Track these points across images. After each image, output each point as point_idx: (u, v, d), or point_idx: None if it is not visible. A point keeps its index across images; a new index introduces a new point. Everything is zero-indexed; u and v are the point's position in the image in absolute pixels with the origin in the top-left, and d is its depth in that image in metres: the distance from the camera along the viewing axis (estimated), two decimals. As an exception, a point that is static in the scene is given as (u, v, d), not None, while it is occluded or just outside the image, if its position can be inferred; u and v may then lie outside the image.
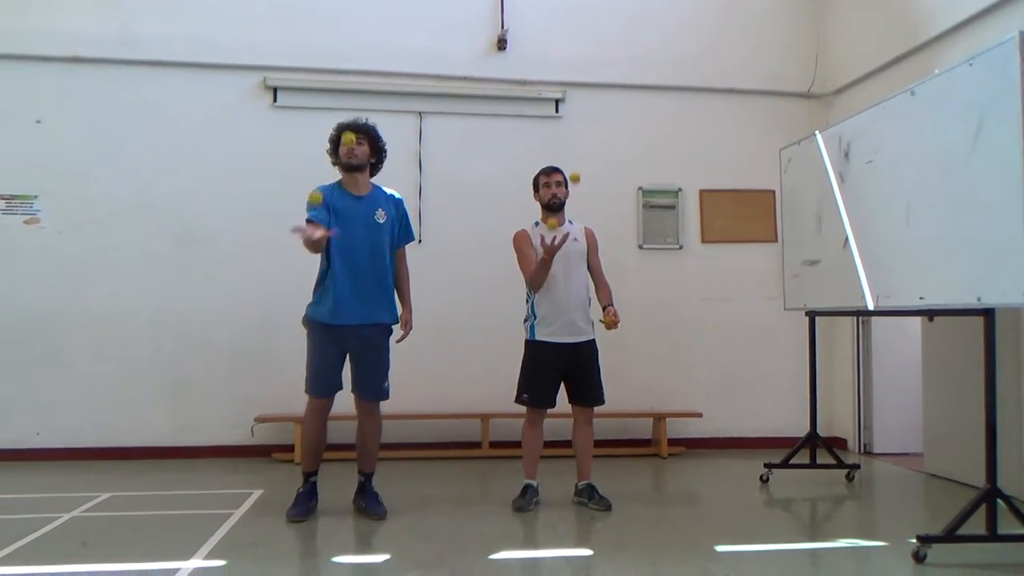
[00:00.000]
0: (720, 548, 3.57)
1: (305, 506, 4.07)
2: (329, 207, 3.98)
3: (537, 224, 4.43)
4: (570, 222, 4.45)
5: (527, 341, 4.36)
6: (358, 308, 4.00)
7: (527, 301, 4.39)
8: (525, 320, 4.39)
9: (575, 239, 4.41)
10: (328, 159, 4.21)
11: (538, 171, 4.47)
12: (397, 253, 4.25)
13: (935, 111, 3.74)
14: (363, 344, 4.05)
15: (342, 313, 3.98)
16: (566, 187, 4.41)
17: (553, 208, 4.39)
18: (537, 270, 4.21)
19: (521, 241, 4.38)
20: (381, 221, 4.08)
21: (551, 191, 4.37)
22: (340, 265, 3.99)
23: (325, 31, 6.12)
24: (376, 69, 6.13)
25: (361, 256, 4.01)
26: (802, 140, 5.14)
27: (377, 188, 4.19)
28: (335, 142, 4.11)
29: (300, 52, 6.07)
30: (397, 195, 4.26)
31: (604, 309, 4.31)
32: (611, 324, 4.20)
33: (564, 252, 4.27)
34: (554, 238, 4.07)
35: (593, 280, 4.46)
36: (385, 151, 4.23)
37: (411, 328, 4.25)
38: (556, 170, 4.43)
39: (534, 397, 4.29)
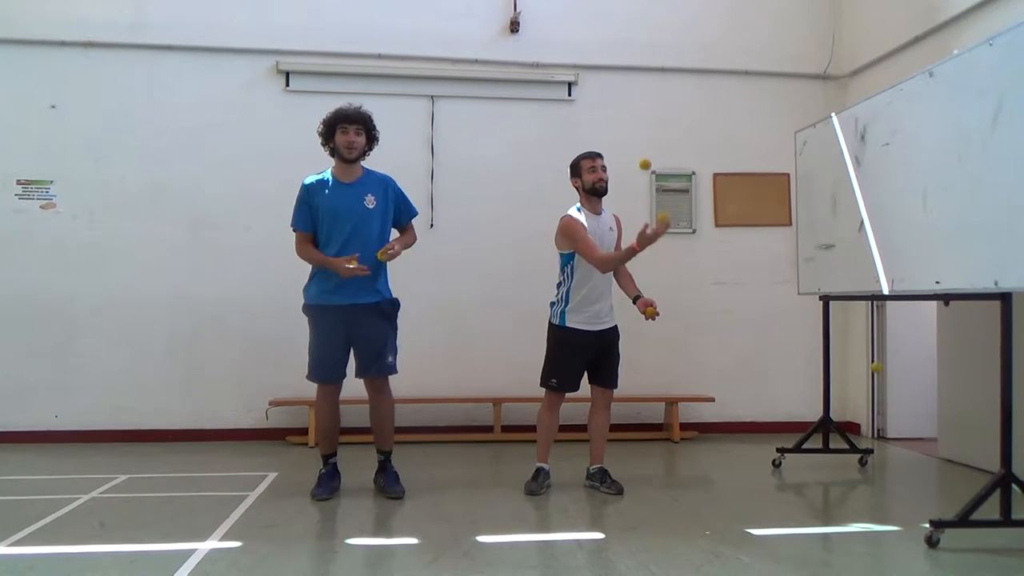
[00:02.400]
0: (732, 532, 3.57)
1: (329, 486, 4.16)
2: (310, 204, 4.07)
3: (580, 210, 4.29)
4: (604, 209, 4.38)
5: (555, 325, 4.31)
6: (353, 290, 4.03)
7: (559, 286, 4.32)
8: (553, 304, 4.33)
9: (611, 228, 4.36)
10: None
11: (578, 156, 4.34)
12: (404, 229, 4.28)
13: (953, 92, 3.68)
14: (364, 322, 4.07)
15: (339, 294, 4.03)
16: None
17: (598, 193, 4.27)
18: (620, 257, 4.10)
19: (578, 228, 4.16)
20: (370, 207, 4.10)
21: (598, 175, 4.25)
22: (330, 250, 4.04)
23: (337, 14, 6.10)
24: (388, 53, 6.11)
25: (352, 242, 4.03)
26: (817, 123, 5.08)
27: (367, 172, 4.21)
28: (330, 128, 4.10)
29: (312, 36, 6.07)
30: (387, 176, 4.26)
31: (636, 300, 4.24)
32: (653, 315, 4.13)
33: (603, 243, 4.22)
34: (654, 230, 3.80)
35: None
36: (377, 138, 4.23)
37: (392, 250, 4.05)
38: (599, 155, 4.31)
39: (562, 382, 4.28)
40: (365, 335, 4.10)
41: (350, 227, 4.04)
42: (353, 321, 4.07)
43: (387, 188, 4.20)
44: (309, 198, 4.09)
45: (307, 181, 4.14)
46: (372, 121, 4.17)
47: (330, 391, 4.17)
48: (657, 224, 3.82)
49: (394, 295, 4.24)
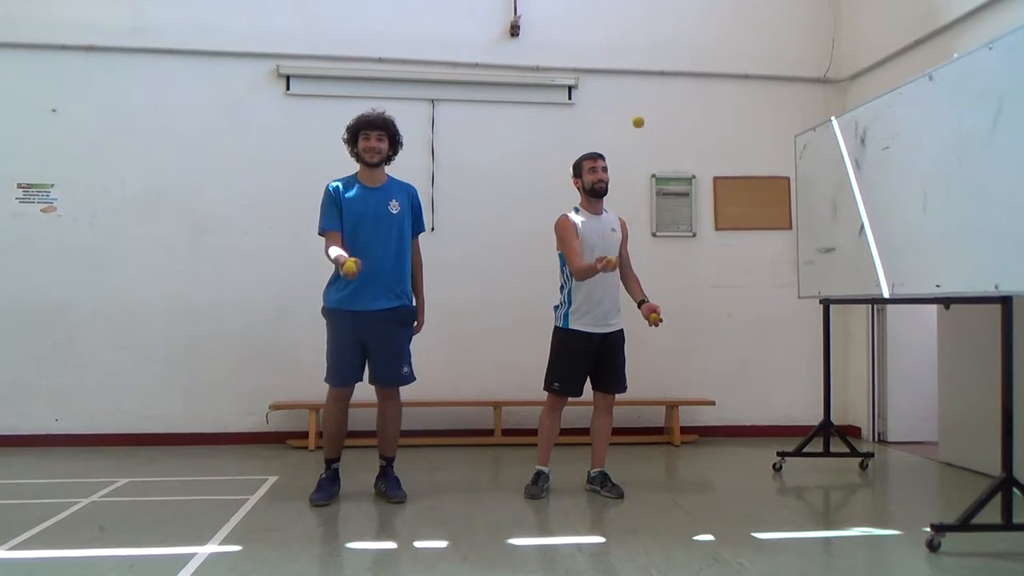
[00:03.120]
0: (732, 536, 3.57)
1: (328, 491, 4.16)
2: (339, 204, 4.09)
3: (578, 210, 4.33)
4: (606, 211, 4.40)
5: (558, 328, 4.32)
6: (372, 295, 4.06)
7: (562, 288, 4.33)
8: (557, 307, 4.34)
9: (613, 229, 4.37)
10: (343, 148, 4.27)
11: (580, 156, 4.37)
12: (411, 243, 4.31)
13: (953, 96, 3.69)
14: (379, 330, 4.09)
15: (355, 299, 4.05)
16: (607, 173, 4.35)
17: (597, 194, 4.30)
18: (584, 271, 4.09)
19: (567, 230, 4.22)
20: (394, 212, 4.15)
21: (597, 176, 4.28)
22: (354, 254, 4.02)
23: (338, 18, 6.11)
24: (389, 56, 6.11)
25: (375, 245, 4.07)
26: (817, 126, 5.09)
27: (391, 179, 4.27)
28: (353, 133, 4.18)
29: (313, 39, 6.07)
30: (411, 185, 4.34)
31: (641, 305, 4.26)
32: (656, 321, 4.14)
33: (605, 243, 4.24)
34: (607, 262, 3.84)
35: (621, 271, 4.39)
36: (401, 143, 4.30)
37: (422, 325, 4.34)
38: (601, 156, 4.34)
39: (565, 386, 4.27)
40: (381, 342, 4.11)
41: (373, 231, 4.06)
42: (370, 327, 4.07)
43: (409, 196, 4.27)
44: (337, 197, 4.11)
45: (332, 184, 4.17)
46: (395, 126, 4.23)
47: (342, 395, 4.18)
48: (606, 262, 3.84)
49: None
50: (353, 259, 3.75)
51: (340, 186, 4.15)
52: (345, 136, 4.21)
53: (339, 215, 4.09)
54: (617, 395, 4.42)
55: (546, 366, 4.35)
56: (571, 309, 4.26)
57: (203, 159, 5.97)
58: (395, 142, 4.24)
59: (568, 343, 4.26)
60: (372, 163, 4.14)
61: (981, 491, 3.51)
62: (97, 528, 3.64)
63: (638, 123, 4.14)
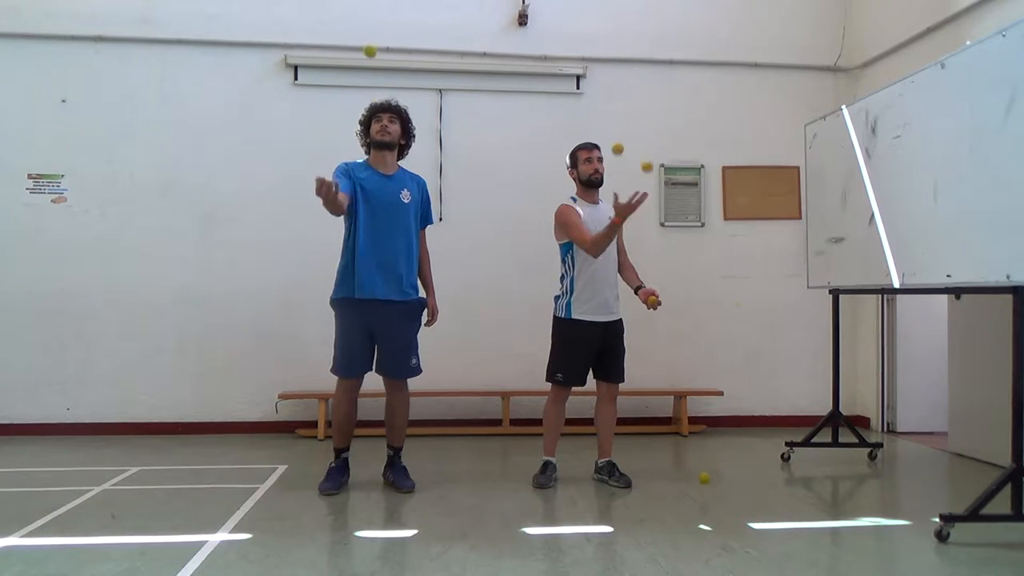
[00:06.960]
0: (740, 526, 3.57)
1: (337, 480, 4.18)
2: (354, 180, 4.06)
3: (575, 200, 4.36)
4: (602, 200, 4.41)
5: (559, 319, 4.32)
6: (382, 283, 4.06)
7: (563, 278, 4.34)
8: (558, 297, 4.35)
9: (610, 218, 4.37)
10: (352, 138, 4.29)
11: (575, 146, 4.38)
12: (419, 235, 4.32)
13: (966, 84, 3.65)
14: (388, 322, 4.10)
15: (365, 287, 4.04)
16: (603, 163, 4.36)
17: (593, 184, 4.32)
18: (604, 233, 4.04)
19: (572, 215, 4.23)
20: (406, 201, 4.15)
21: (593, 166, 4.29)
22: (365, 241, 4.05)
23: (345, 8, 6.10)
24: (397, 46, 6.09)
25: (386, 233, 4.07)
26: (828, 115, 5.05)
27: (403, 169, 4.28)
28: (366, 122, 4.20)
29: (321, 29, 6.07)
30: (421, 177, 4.35)
31: (638, 290, 4.27)
32: (655, 304, 4.12)
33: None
34: (632, 197, 3.82)
35: (619, 260, 4.42)
36: (414, 135, 4.32)
37: (438, 314, 4.37)
38: (596, 146, 4.35)
39: (568, 376, 4.28)
40: (391, 334, 4.12)
41: (387, 218, 4.06)
42: (379, 318, 4.08)
43: (420, 188, 4.28)
44: (349, 171, 4.08)
45: (348, 163, 4.13)
46: (407, 114, 4.25)
47: (351, 386, 4.19)
48: (632, 195, 3.84)
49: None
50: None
51: (352, 163, 4.14)
52: (358, 129, 4.23)
53: (351, 184, 4.03)
54: (620, 384, 4.42)
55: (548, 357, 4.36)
56: (573, 298, 4.26)
57: (212, 150, 5.98)
58: (407, 130, 4.25)
59: (571, 333, 4.27)
60: (384, 141, 4.12)
61: (991, 482, 3.49)
62: (108, 516, 3.67)
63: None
